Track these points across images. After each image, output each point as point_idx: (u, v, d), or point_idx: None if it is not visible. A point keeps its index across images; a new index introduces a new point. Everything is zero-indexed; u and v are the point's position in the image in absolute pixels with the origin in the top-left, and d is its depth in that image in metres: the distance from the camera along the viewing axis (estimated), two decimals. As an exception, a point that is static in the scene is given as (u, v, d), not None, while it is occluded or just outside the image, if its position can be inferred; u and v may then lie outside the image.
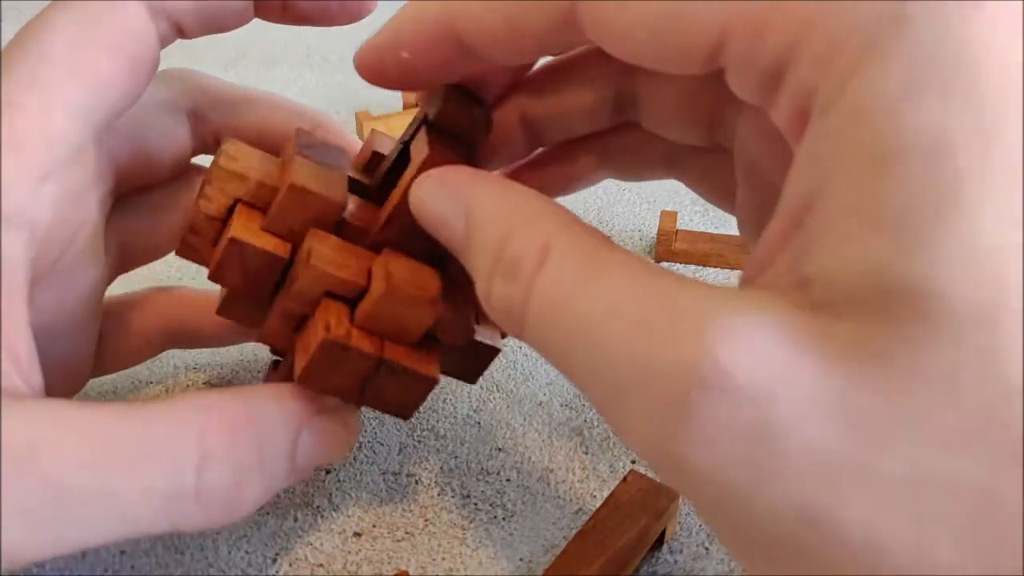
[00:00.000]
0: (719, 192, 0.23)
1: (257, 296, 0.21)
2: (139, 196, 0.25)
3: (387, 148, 0.24)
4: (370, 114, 0.46)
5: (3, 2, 0.70)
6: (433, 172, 0.20)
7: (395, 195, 0.21)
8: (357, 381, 0.21)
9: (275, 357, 0.25)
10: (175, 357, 0.31)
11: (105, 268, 0.24)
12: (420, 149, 0.21)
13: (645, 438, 0.15)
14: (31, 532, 0.16)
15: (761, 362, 0.13)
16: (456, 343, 0.22)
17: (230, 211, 0.21)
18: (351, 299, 0.21)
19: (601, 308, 0.15)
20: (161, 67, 0.23)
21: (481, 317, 0.23)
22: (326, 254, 0.20)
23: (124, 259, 0.25)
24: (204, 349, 0.31)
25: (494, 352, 0.23)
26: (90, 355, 0.24)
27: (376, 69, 0.20)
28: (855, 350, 0.13)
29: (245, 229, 0.20)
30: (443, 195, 0.19)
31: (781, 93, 0.15)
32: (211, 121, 0.25)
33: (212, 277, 0.21)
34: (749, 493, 0.14)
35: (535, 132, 0.23)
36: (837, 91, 0.14)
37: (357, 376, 0.21)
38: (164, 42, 0.22)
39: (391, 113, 0.47)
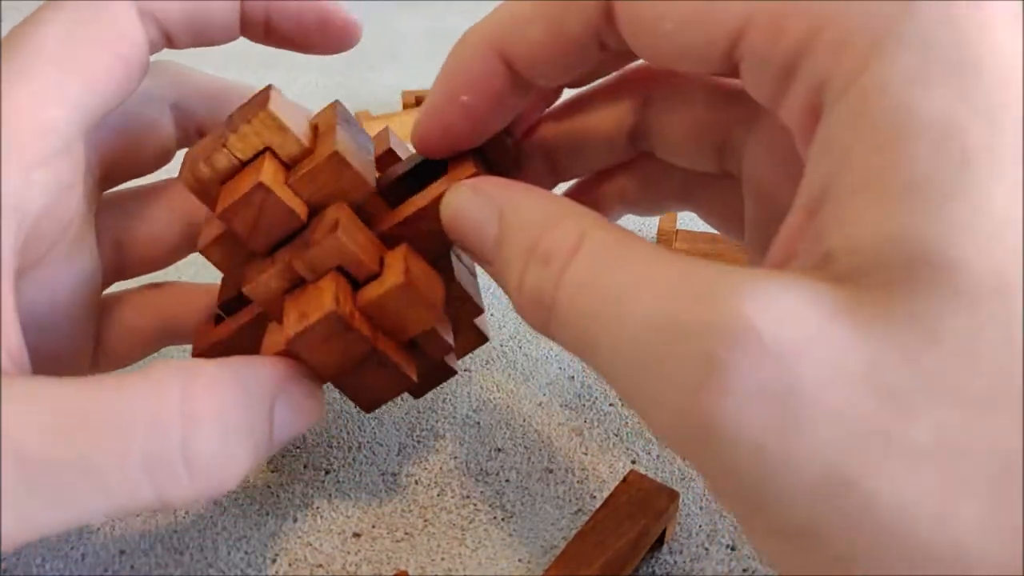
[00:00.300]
0: (730, 220, 0.24)
1: (252, 247, 0.21)
2: (129, 194, 0.25)
3: (395, 144, 0.24)
4: (370, 114, 0.46)
5: (3, 2, 0.70)
6: (468, 181, 0.20)
7: (420, 199, 0.22)
8: (343, 361, 0.21)
9: (219, 312, 0.25)
10: (174, 355, 0.31)
11: (98, 265, 0.24)
12: (464, 167, 0.21)
13: (671, 407, 0.15)
14: (9, 513, 0.16)
15: (790, 322, 0.14)
16: (435, 356, 0.23)
17: (253, 157, 0.21)
18: (358, 281, 0.21)
19: (629, 282, 0.16)
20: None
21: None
22: (351, 229, 0.21)
23: (121, 260, 0.25)
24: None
25: (452, 373, 0.24)
26: (86, 352, 0.24)
27: (440, 127, 0.22)
28: (881, 317, 0.13)
29: (274, 179, 0.20)
30: (477, 201, 0.20)
31: (793, 87, 0.16)
32: (195, 114, 0.25)
33: (221, 215, 0.21)
34: (776, 456, 0.13)
35: (557, 166, 0.24)
36: (849, 80, 0.14)
37: (345, 356, 0.21)
38: (153, 47, 0.22)
39: (391, 113, 0.47)
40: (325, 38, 0.24)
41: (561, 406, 0.29)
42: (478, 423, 0.28)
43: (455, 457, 0.27)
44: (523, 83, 0.20)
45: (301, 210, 0.21)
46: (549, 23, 0.19)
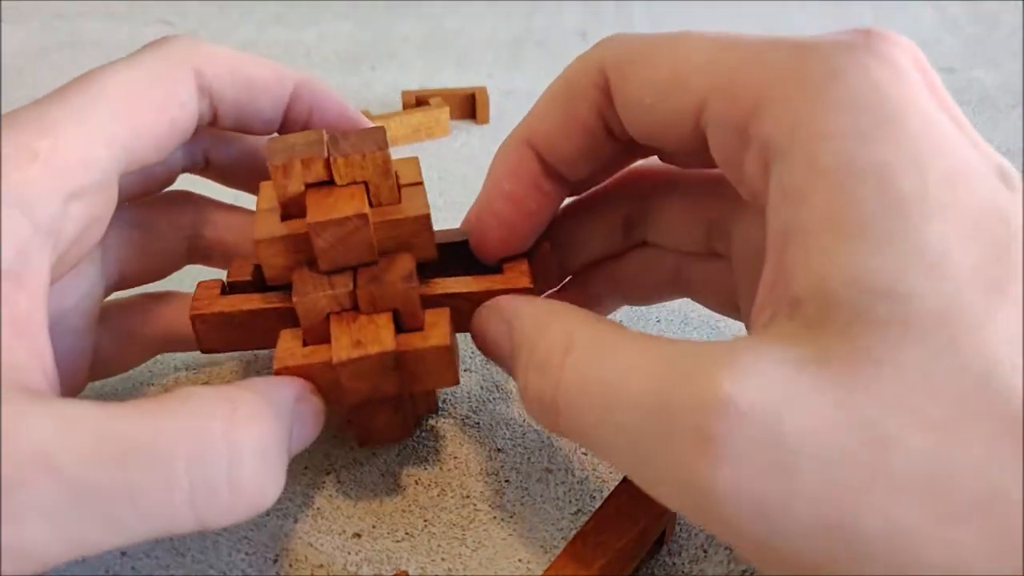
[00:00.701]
0: (723, 300, 0.26)
1: (320, 263, 0.22)
2: (135, 213, 0.26)
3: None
4: (370, 114, 0.46)
5: (3, 2, 0.70)
6: (488, 303, 0.23)
7: (475, 282, 0.24)
8: (371, 394, 0.22)
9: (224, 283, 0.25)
10: (174, 359, 0.31)
11: (102, 279, 0.25)
12: (518, 276, 0.24)
13: (674, 482, 0.16)
14: (54, 533, 0.16)
15: (763, 387, 0.15)
16: (419, 412, 0.26)
17: (347, 183, 0.22)
18: (400, 327, 0.22)
19: (620, 374, 0.17)
20: None
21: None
22: (417, 282, 0.22)
23: (123, 272, 0.26)
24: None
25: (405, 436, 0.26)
26: (85, 362, 0.25)
27: (490, 213, 0.24)
28: (844, 358, 0.15)
29: (370, 214, 0.22)
30: (495, 319, 0.22)
31: (749, 148, 0.18)
32: (202, 138, 0.26)
33: (312, 226, 0.21)
34: (776, 510, 0.14)
35: (563, 261, 0.27)
36: (792, 137, 0.16)
37: (375, 392, 0.22)
38: (201, 120, 0.24)
39: (391, 113, 0.47)
40: None
41: (561, 406, 0.29)
42: (478, 423, 0.28)
43: (455, 457, 0.27)
44: (552, 171, 0.23)
45: (376, 248, 0.22)
46: (562, 111, 0.22)
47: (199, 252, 0.28)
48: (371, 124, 0.26)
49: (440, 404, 0.29)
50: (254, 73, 0.24)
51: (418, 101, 0.49)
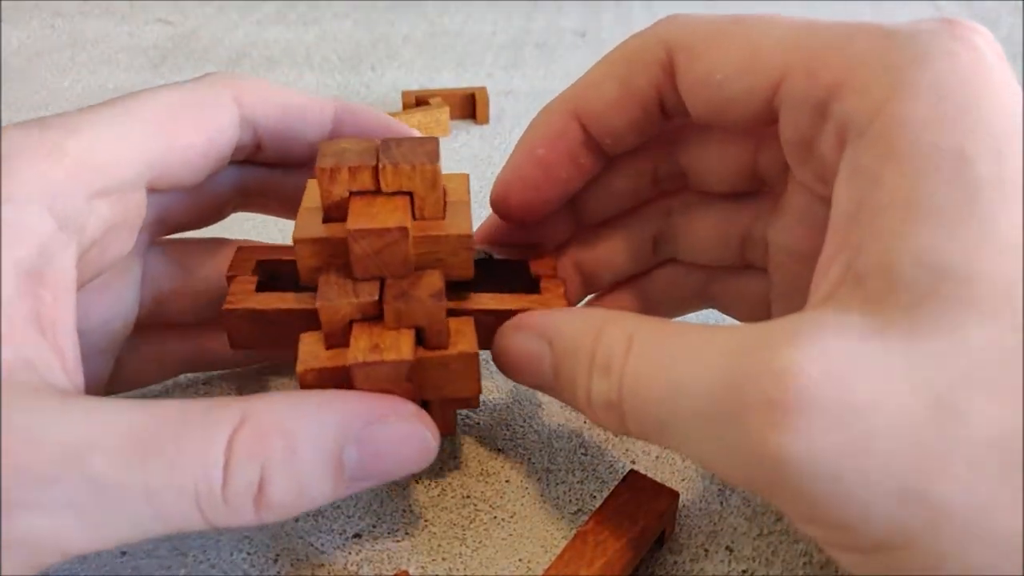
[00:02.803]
0: (752, 310, 0.26)
1: (353, 269, 0.22)
2: (179, 250, 0.26)
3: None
4: (370, 114, 0.46)
5: (3, 2, 0.70)
6: (511, 323, 0.23)
7: (510, 300, 0.24)
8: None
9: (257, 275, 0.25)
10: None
11: (135, 305, 0.25)
12: (556, 299, 0.24)
13: (747, 458, 0.16)
14: (80, 527, 0.17)
15: (831, 357, 0.15)
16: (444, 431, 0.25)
17: (393, 192, 0.22)
18: (422, 339, 0.22)
19: (686, 362, 0.17)
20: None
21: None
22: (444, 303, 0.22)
23: (158, 308, 0.26)
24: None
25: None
26: (99, 385, 0.25)
27: (518, 178, 0.24)
28: (912, 334, 0.15)
29: (411, 227, 0.22)
30: (525, 337, 0.22)
31: (826, 125, 0.18)
32: (249, 173, 0.26)
33: (352, 233, 0.21)
34: (851, 478, 0.15)
35: (588, 278, 0.27)
36: (871, 118, 0.17)
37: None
38: (241, 150, 0.24)
39: (391, 113, 0.47)
40: None
41: (561, 406, 0.29)
42: (478, 423, 0.28)
43: (455, 457, 0.27)
44: (592, 144, 0.23)
45: (413, 263, 0.22)
46: (620, 82, 0.22)
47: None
48: (416, 133, 0.26)
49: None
50: (295, 101, 0.24)
51: (418, 101, 0.49)
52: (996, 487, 0.14)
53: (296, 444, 0.18)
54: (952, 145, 0.16)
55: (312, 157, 0.25)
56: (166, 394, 0.30)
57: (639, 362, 0.18)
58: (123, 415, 0.17)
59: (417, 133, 0.26)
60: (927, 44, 0.17)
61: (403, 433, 0.20)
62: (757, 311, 0.25)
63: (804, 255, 0.23)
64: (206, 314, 0.27)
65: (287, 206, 0.27)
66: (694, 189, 0.25)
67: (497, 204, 0.25)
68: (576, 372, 0.20)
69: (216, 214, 0.26)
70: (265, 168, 0.26)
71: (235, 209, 0.27)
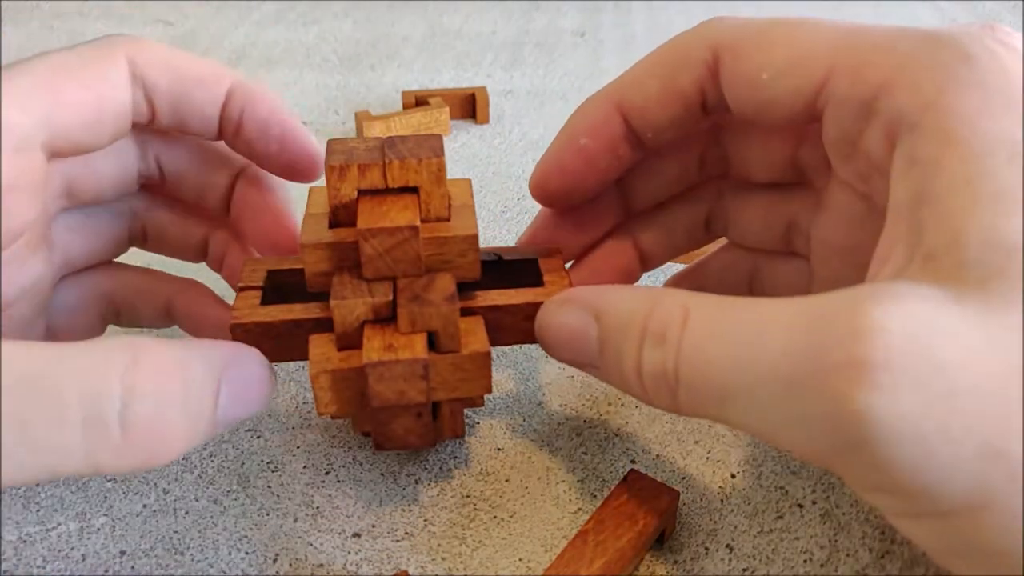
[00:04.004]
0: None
1: (364, 270, 0.22)
2: (83, 211, 0.26)
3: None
4: (370, 114, 0.46)
5: (3, 2, 0.70)
6: (555, 297, 0.23)
7: (518, 295, 0.24)
8: (396, 400, 0.22)
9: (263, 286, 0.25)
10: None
11: (50, 274, 0.25)
12: (559, 278, 0.24)
13: (823, 423, 0.16)
14: None
15: (913, 317, 0.15)
16: (445, 436, 0.25)
17: (400, 188, 0.22)
18: (434, 341, 0.22)
19: (754, 331, 0.17)
20: None
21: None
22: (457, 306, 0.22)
23: (66, 261, 0.26)
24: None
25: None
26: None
27: (558, 166, 0.25)
28: (986, 305, 0.15)
29: (420, 226, 0.22)
30: (570, 312, 0.22)
31: (873, 121, 0.19)
32: (150, 141, 0.26)
33: (361, 232, 0.21)
34: (935, 437, 0.15)
35: (645, 255, 0.28)
36: (924, 112, 0.18)
37: (401, 399, 0.22)
38: (137, 110, 0.24)
39: (391, 113, 0.47)
40: (283, 154, 0.26)
41: (561, 406, 0.29)
42: (478, 423, 0.28)
43: (455, 457, 0.27)
44: (633, 136, 0.24)
45: (423, 262, 0.22)
46: (663, 78, 0.23)
47: (138, 234, 0.28)
48: (303, 128, 0.26)
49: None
50: (189, 66, 0.24)
51: (418, 101, 0.49)
52: None
53: (187, 379, 0.19)
54: (1004, 135, 0.16)
55: (206, 127, 0.25)
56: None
57: (699, 331, 0.18)
58: (7, 350, 0.17)
59: (302, 128, 0.26)
60: (970, 44, 0.18)
61: (257, 374, 0.21)
62: None
63: (846, 250, 0.23)
64: (114, 253, 0.28)
65: (193, 189, 0.27)
66: (737, 177, 0.26)
67: (536, 190, 0.26)
68: (625, 345, 0.20)
69: (124, 180, 0.26)
70: (167, 143, 0.26)
71: (143, 180, 0.27)
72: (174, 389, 0.18)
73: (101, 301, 0.28)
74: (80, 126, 0.22)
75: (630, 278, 0.28)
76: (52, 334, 0.26)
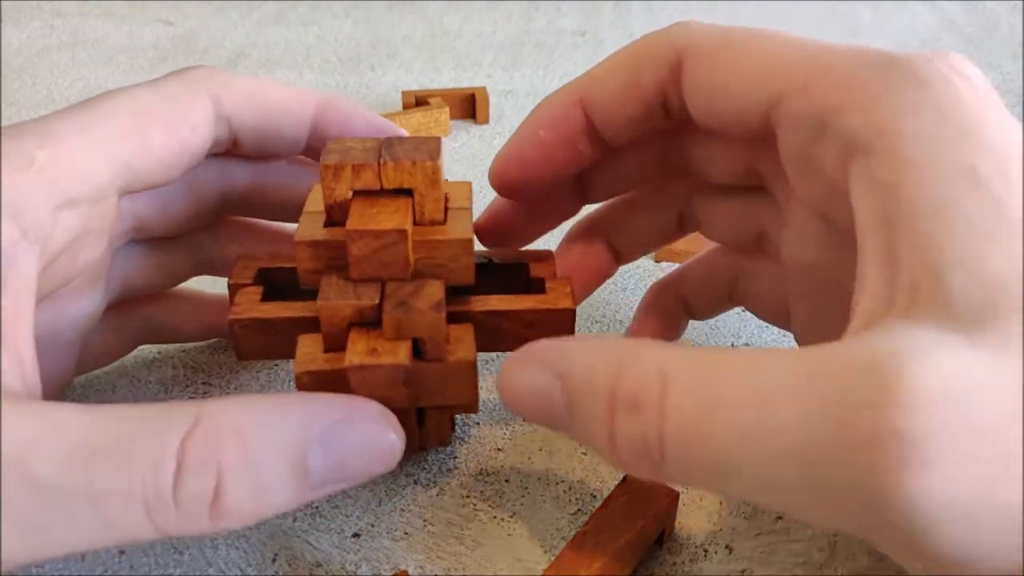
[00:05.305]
0: (775, 308, 0.26)
1: (351, 271, 0.22)
2: (147, 243, 0.26)
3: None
4: (370, 114, 0.46)
5: (3, 2, 0.70)
6: (515, 356, 0.20)
7: (512, 300, 0.24)
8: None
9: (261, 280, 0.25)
10: (174, 358, 0.31)
11: (101, 307, 0.25)
12: (562, 297, 0.24)
13: (852, 499, 0.14)
14: (22, 535, 0.16)
15: (947, 380, 0.14)
16: (429, 446, 0.25)
17: (394, 189, 0.22)
18: (419, 347, 0.22)
19: (754, 396, 0.15)
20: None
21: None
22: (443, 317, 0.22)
23: (125, 289, 0.26)
24: (203, 351, 0.31)
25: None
26: (69, 372, 0.25)
27: (517, 155, 0.25)
28: (995, 348, 0.14)
29: (410, 229, 0.22)
30: (533, 373, 0.19)
31: (826, 140, 0.19)
32: (230, 171, 0.26)
33: (349, 233, 0.21)
34: (983, 518, 0.13)
35: (618, 252, 0.28)
36: (877, 133, 0.17)
37: (384, 404, 0.21)
38: (218, 145, 0.24)
39: (391, 113, 0.47)
40: None
41: (560, 406, 0.29)
42: (478, 423, 0.28)
43: (455, 457, 0.27)
44: (593, 132, 0.24)
45: (412, 266, 0.22)
46: (626, 77, 0.23)
47: (205, 266, 0.28)
48: (403, 132, 0.26)
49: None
50: (274, 97, 0.24)
51: (418, 101, 0.49)
52: None
53: (253, 447, 0.18)
54: (963, 163, 0.16)
55: (292, 151, 0.26)
56: (165, 394, 0.30)
57: (682, 400, 0.16)
58: (72, 418, 0.17)
59: (404, 132, 0.26)
60: (925, 70, 0.18)
61: (368, 433, 0.20)
62: (779, 310, 0.26)
63: (814, 267, 0.23)
64: (175, 283, 0.28)
65: (272, 207, 0.27)
66: (698, 180, 0.26)
67: (495, 179, 0.26)
68: (594, 410, 0.18)
69: (198, 215, 0.26)
70: (246, 165, 0.26)
71: (221, 213, 0.27)
72: (233, 461, 0.17)
73: (141, 323, 0.28)
74: (159, 170, 0.22)
75: (603, 277, 0.28)
76: (84, 347, 0.26)
